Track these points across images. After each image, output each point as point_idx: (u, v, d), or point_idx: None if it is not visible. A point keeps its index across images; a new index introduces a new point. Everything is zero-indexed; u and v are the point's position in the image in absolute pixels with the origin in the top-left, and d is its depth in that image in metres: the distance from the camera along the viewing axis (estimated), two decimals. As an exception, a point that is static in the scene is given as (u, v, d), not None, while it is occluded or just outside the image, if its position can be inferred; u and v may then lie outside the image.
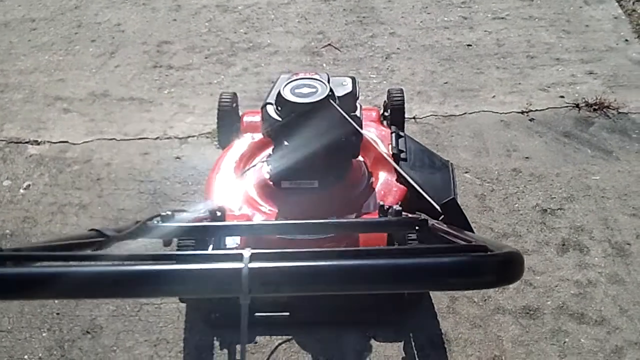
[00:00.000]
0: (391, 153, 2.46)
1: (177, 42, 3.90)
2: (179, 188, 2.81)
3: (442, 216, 1.21)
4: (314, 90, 2.16)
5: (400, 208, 1.54)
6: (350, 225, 1.60)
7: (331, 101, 2.14)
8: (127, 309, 2.31)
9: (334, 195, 2.35)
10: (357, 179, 2.42)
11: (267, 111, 2.20)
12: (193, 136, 3.13)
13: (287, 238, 2.20)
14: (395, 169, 2.41)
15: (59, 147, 3.11)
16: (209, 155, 2.99)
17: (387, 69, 3.50)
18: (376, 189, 2.39)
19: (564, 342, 2.11)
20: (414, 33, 3.78)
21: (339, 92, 2.22)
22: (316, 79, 2.22)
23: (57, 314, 2.31)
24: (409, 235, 1.99)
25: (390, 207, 1.59)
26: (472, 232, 1.16)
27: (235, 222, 1.55)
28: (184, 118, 3.26)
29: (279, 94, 2.17)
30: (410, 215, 1.51)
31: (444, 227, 1.19)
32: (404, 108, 2.76)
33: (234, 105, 2.84)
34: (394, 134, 2.53)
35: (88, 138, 3.16)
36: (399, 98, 2.76)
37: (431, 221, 1.31)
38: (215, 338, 2.19)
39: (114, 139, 3.15)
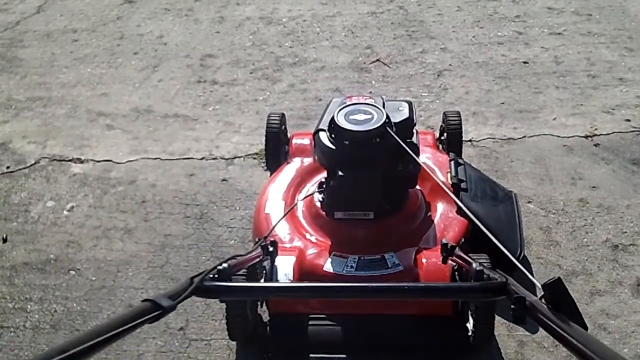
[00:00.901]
0: (450, 183, 2.33)
1: (221, 56, 3.81)
2: (226, 213, 2.71)
3: (543, 295, 1.06)
4: (369, 117, 2.04)
5: (481, 269, 1.41)
6: (424, 291, 1.46)
7: (388, 129, 2.02)
8: (176, 344, 2.21)
9: (390, 227, 2.23)
10: (414, 210, 2.29)
11: (319, 138, 2.09)
12: (239, 157, 3.03)
13: (341, 274, 2.09)
14: (456, 203, 2.28)
15: (102, 166, 3.04)
16: (257, 177, 2.88)
17: (440, 87, 3.36)
18: (435, 222, 2.26)
19: (645, 397, 1.95)
20: (466, 49, 3.63)
21: (396, 118, 2.10)
22: (371, 104, 2.10)
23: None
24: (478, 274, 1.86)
25: (470, 264, 1.44)
26: (583, 321, 1.01)
27: (296, 284, 1.44)
28: (229, 137, 3.17)
29: (332, 120, 2.05)
30: (490, 274, 1.38)
31: (542, 307, 1.05)
32: (461, 132, 2.62)
33: (283, 127, 2.74)
34: (452, 162, 2.39)
35: (132, 157, 3.09)
36: (456, 121, 2.62)
37: (519, 291, 1.17)
38: (269, 379, 2.08)
39: (158, 158, 3.07)
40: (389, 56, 3.65)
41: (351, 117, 2.02)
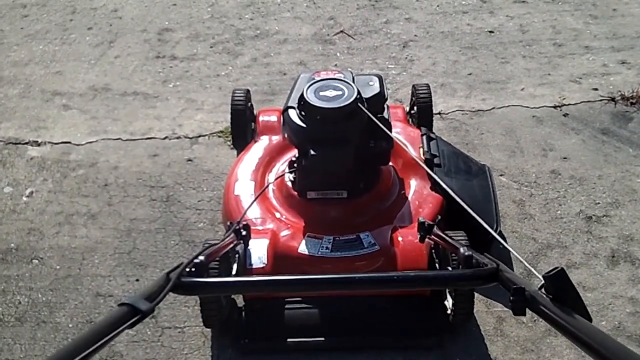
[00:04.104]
0: (423, 158, 2.29)
1: (179, 30, 3.67)
2: (193, 194, 2.62)
3: (543, 284, 1.03)
4: (340, 93, 1.97)
5: (471, 253, 1.37)
6: (414, 280, 1.41)
7: (360, 105, 1.96)
8: (148, 333, 2.14)
9: (364, 205, 2.18)
10: (388, 188, 2.25)
11: (289, 116, 2.01)
12: (204, 135, 2.92)
13: (317, 256, 2.04)
14: (430, 177, 2.24)
15: (61, 148, 2.90)
16: (223, 157, 2.79)
17: (406, 58, 3.30)
18: (409, 199, 2.22)
19: (622, 367, 1.96)
20: (431, 18, 3.57)
21: (366, 94, 2.04)
22: (341, 80, 2.03)
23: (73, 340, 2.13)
24: (453, 257, 1.83)
25: (451, 243, 1.40)
26: (587, 312, 0.98)
27: (280, 277, 1.38)
28: (192, 115, 3.06)
29: (301, 97, 1.98)
30: (479, 259, 1.35)
31: (543, 298, 1.01)
32: (431, 105, 2.58)
33: (249, 104, 2.65)
34: (424, 136, 2.35)
35: (92, 138, 2.95)
36: (426, 94, 2.57)
37: (511, 278, 1.14)
38: (246, 366, 2.03)
39: (119, 138, 2.94)
40: (353, 27, 3.57)
41: (321, 93, 1.95)
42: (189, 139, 2.90)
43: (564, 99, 2.95)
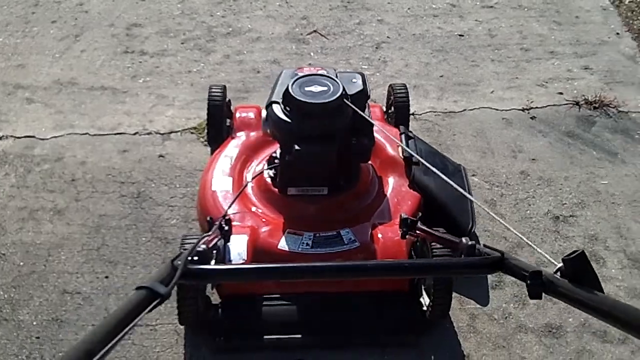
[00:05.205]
0: (402, 157, 2.31)
1: (149, 25, 3.61)
2: (165, 191, 2.58)
3: (559, 268, 1.05)
4: (325, 88, 1.97)
5: (473, 243, 1.39)
6: (422, 268, 1.44)
7: (346, 101, 1.96)
8: (119, 331, 2.09)
9: (344, 202, 2.18)
10: (367, 185, 2.26)
11: (273, 111, 2.00)
12: (176, 131, 2.88)
13: (298, 252, 2.03)
14: (407, 175, 2.26)
15: (24, 142, 2.82)
16: (196, 153, 2.76)
17: (379, 59, 3.33)
18: (388, 196, 2.23)
19: (591, 363, 2.02)
20: (402, 21, 3.61)
21: (350, 90, 2.04)
22: (326, 76, 2.03)
23: (37, 337, 2.07)
24: (434, 250, 1.85)
25: (465, 240, 1.41)
26: (603, 291, 1.01)
27: (289, 265, 1.37)
28: (164, 111, 3.01)
29: (287, 92, 1.97)
30: (481, 249, 1.37)
31: (561, 281, 1.04)
32: (409, 105, 2.60)
33: (228, 100, 2.62)
34: (403, 135, 2.37)
35: (57, 133, 2.87)
36: (404, 94, 2.60)
37: (518, 264, 1.17)
38: (220, 364, 2.00)
39: (86, 133, 2.87)
40: (326, 27, 3.57)
41: (306, 88, 1.95)
42: (160, 135, 2.86)
43: (531, 102, 3.01)
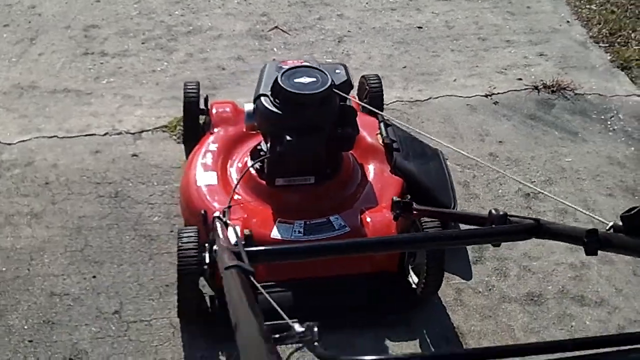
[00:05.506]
0: (382, 143, 2.38)
1: (106, 26, 3.56)
2: (143, 189, 2.56)
3: (612, 225, 1.17)
4: (314, 79, 2.02)
5: (505, 212, 1.45)
6: (465, 237, 1.53)
7: (336, 90, 2.02)
8: (113, 329, 2.07)
9: (331, 190, 2.23)
10: (350, 172, 2.31)
11: (262, 104, 2.03)
12: (147, 130, 2.86)
13: (291, 240, 2.07)
14: (389, 161, 2.33)
15: (-10, 148, 2.75)
16: (170, 151, 2.75)
17: (342, 53, 3.39)
18: (372, 182, 2.30)
19: (572, 326, 2.13)
20: (362, 15, 3.69)
21: (336, 81, 2.10)
22: (312, 67, 2.08)
23: (30, 341, 2.04)
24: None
25: (495, 211, 1.47)
26: None
27: (337, 242, 1.48)
28: (132, 111, 2.98)
29: (276, 84, 2.01)
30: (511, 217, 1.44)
31: (618, 236, 1.15)
32: (382, 94, 2.68)
33: (206, 95, 2.63)
34: (382, 123, 2.44)
35: (24, 137, 2.81)
36: (377, 84, 2.67)
37: (553, 227, 1.27)
38: (220, 352, 2.02)
39: (54, 136, 2.82)
40: (287, 23, 3.61)
41: (295, 80, 1.99)
42: (131, 135, 2.83)
43: (493, 88, 3.14)
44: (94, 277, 2.23)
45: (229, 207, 1.86)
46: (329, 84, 1.99)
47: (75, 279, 2.23)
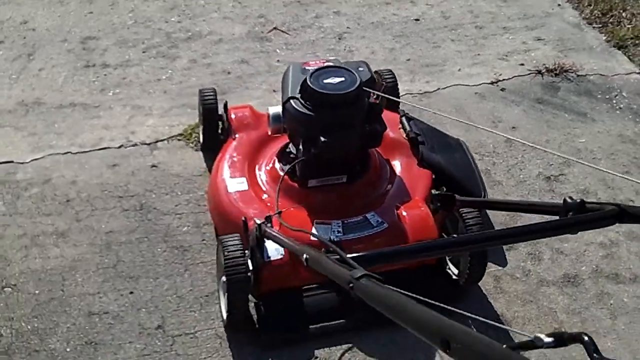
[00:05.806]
0: (407, 137, 2.40)
1: (104, 37, 3.51)
2: (168, 200, 2.55)
3: None
4: (343, 79, 2.03)
5: (582, 199, 1.47)
6: (554, 228, 1.58)
7: (366, 89, 2.03)
8: (158, 344, 2.06)
9: (363, 187, 2.25)
10: (379, 169, 2.33)
11: (292, 106, 2.03)
12: (162, 140, 2.84)
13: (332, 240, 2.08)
14: (415, 154, 2.35)
15: (3, 168, 2.69)
16: (189, 159, 2.73)
17: (345, 49, 3.40)
18: (402, 176, 2.31)
19: (610, 304, 2.18)
20: (358, 11, 3.70)
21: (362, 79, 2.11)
22: (338, 67, 2.09)
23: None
24: (466, 220, 1.96)
25: (570, 199, 1.49)
26: None
27: (448, 240, 1.51)
28: (143, 121, 2.95)
29: (306, 86, 2.01)
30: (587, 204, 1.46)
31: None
32: (398, 89, 2.70)
33: (225, 102, 2.62)
34: (404, 117, 2.46)
35: (36, 155, 2.77)
36: (392, 79, 2.69)
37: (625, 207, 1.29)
38: (270, 359, 2.02)
39: (68, 152, 2.78)
40: (285, 24, 3.61)
41: (325, 81, 1.99)
42: (147, 145, 2.81)
43: (499, 75, 3.18)
44: (131, 292, 2.21)
45: (279, 212, 1.85)
46: (358, 82, 2.00)
47: (112, 296, 2.20)
